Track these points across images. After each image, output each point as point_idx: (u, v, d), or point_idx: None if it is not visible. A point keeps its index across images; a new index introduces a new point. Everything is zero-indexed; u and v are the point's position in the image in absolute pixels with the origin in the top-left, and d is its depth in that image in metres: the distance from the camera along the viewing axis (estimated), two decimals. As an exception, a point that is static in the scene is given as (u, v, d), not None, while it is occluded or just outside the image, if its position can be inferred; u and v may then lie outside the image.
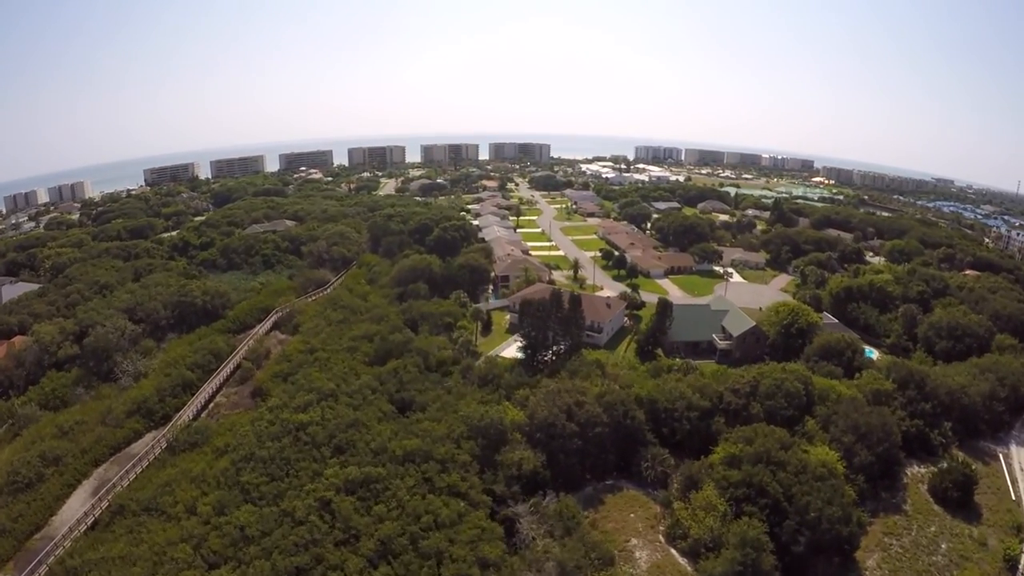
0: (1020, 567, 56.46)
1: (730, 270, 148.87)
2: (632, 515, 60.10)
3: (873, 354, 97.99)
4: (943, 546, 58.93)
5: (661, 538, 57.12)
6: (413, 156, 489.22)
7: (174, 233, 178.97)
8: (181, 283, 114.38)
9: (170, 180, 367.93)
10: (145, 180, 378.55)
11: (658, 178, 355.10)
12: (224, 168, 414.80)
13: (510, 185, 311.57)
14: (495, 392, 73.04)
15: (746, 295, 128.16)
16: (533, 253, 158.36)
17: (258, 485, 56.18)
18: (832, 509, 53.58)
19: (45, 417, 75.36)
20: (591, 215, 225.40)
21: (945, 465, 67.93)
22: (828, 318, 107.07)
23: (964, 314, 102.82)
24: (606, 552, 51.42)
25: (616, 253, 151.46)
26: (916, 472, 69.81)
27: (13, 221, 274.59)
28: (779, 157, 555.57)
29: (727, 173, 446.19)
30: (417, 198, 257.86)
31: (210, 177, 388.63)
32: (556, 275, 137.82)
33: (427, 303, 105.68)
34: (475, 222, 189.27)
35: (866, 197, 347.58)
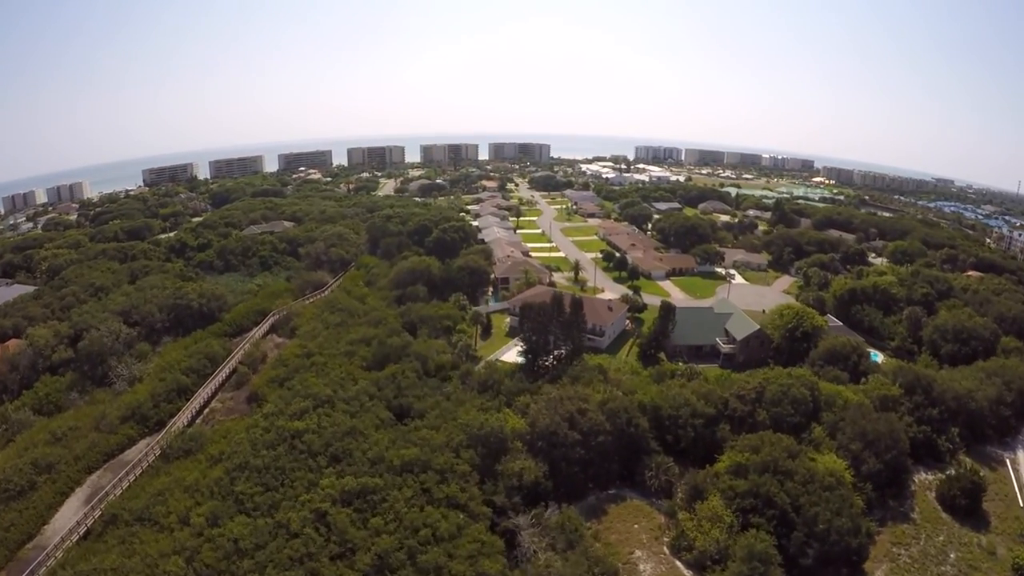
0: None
1: (732, 272, 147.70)
2: (636, 526, 58.91)
3: (878, 357, 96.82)
4: (952, 556, 57.80)
5: (666, 550, 55.87)
6: (412, 156, 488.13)
7: (171, 234, 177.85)
8: (177, 285, 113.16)
9: (169, 180, 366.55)
10: (144, 180, 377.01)
11: (658, 178, 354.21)
12: (223, 168, 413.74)
13: (510, 185, 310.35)
14: (495, 399, 71.70)
15: (749, 297, 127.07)
16: (533, 254, 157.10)
17: (252, 495, 54.91)
18: (841, 520, 52.45)
19: (39, 422, 74.38)
20: (591, 216, 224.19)
21: (953, 472, 66.85)
22: (832, 321, 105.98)
23: (969, 317, 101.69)
24: (610, 567, 50.16)
25: (617, 254, 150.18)
26: (924, 479, 68.72)
27: (11, 222, 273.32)
28: (779, 157, 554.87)
29: (727, 173, 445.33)
30: (416, 199, 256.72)
31: (209, 177, 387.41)
32: (557, 277, 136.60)
33: (426, 306, 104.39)
34: (475, 223, 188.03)
35: (867, 197, 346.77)
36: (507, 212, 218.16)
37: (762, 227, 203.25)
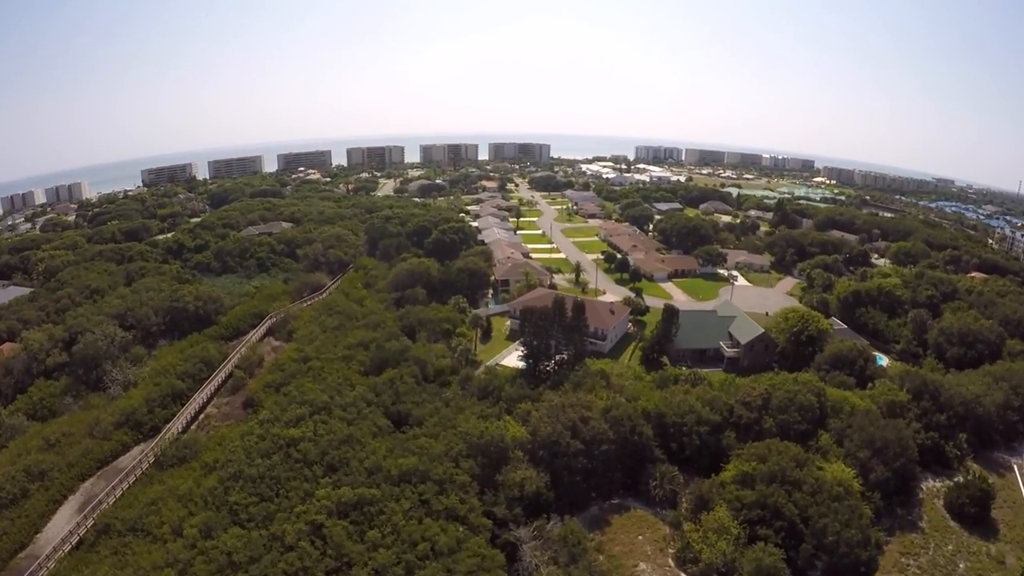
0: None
1: (735, 273, 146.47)
2: (640, 537, 57.65)
3: (883, 361, 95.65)
4: (961, 565, 56.78)
5: (671, 562, 54.62)
6: (412, 156, 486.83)
7: (169, 235, 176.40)
8: (173, 288, 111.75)
9: (168, 181, 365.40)
10: (143, 181, 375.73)
11: (659, 178, 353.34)
12: (222, 168, 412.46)
13: (510, 186, 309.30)
14: (495, 405, 70.32)
15: (752, 299, 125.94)
16: (534, 256, 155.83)
17: (247, 506, 53.72)
18: (850, 532, 51.29)
19: (32, 428, 73.31)
20: (592, 216, 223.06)
21: (961, 479, 65.83)
22: (837, 324, 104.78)
23: (974, 319, 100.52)
24: (614, 580, 48.95)
25: (618, 256, 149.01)
26: (932, 487, 67.61)
27: (9, 222, 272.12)
28: (780, 157, 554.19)
29: (728, 173, 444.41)
30: (416, 199, 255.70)
31: (208, 178, 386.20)
32: (558, 279, 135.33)
33: (425, 308, 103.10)
34: (474, 224, 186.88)
35: (868, 197, 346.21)
36: (507, 213, 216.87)
37: (764, 228, 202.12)
